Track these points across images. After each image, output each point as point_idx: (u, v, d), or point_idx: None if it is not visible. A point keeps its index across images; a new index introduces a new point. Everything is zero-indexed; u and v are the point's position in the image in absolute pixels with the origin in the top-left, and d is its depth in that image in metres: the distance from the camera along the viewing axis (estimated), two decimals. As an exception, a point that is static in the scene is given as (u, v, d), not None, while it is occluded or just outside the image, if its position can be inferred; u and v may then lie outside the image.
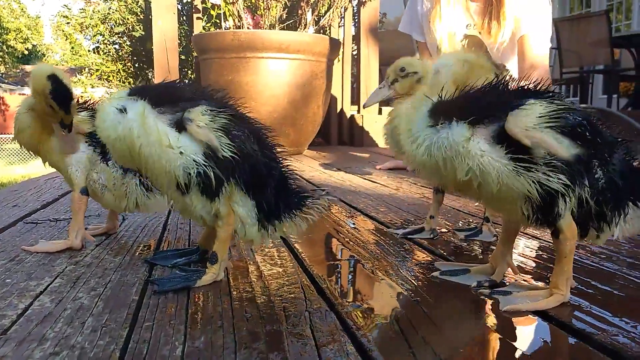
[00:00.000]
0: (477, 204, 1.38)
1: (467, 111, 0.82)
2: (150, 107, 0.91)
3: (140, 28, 6.03)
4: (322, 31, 4.31)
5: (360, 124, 4.85)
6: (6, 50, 22.48)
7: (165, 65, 4.15)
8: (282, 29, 4.15)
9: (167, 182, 0.94)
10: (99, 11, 6.39)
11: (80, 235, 1.22)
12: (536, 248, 1.25)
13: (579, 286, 0.96)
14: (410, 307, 0.87)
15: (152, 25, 4.28)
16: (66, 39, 7.37)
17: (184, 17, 5.66)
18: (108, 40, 6.39)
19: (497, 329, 0.79)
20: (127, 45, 6.27)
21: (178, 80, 1.02)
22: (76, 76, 6.80)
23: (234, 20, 4.02)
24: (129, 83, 6.14)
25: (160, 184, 0.97)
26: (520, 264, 1.11)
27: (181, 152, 0.89)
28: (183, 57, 5.52)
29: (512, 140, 0.79)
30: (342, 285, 1.01)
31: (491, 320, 0.83)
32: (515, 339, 0.75)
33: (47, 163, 1.25)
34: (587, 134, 0.82)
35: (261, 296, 0.92)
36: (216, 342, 0.73)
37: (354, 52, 5.12)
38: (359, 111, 4.94)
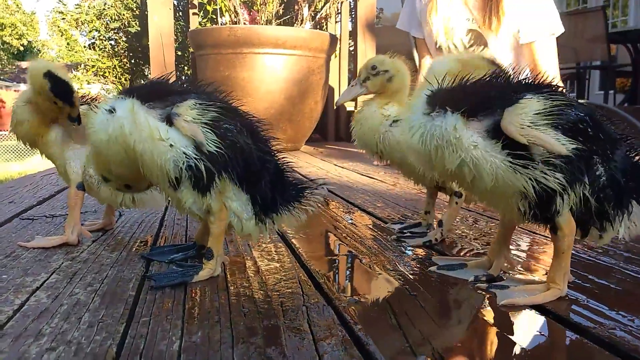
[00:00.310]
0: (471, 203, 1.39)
1: (463, 102, 0.81)
2: (140, 103, 0.91)
3: (136, 24, 6.01)
4: (318, 27, 4.29)
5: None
6: (1, 46, 22.36)
7: (162, 61, 4.13)
8: (279, 24, 4.14)
9: (161, 177, 0.93)
10: (94, 7, 6.36)
11: (76, 231, 1.21)
12: (533, 243, 1.26)
13: (576, 280, 0.96)
14: (407, 302, 0.87)
15: (148, 21, 4.26)
16: (62, 35, 7.33)
17: (180, 13, 5.63)
18: (104, 36, 6.36)
19: (494, 323, 0.79)
20: (122, 41, 6.25)
21: (167, 77, 1.01)
22: (72, 72, 6.77)
23: (230, 15, 4.01)
24: (125, 79, 6.12)
25: (156, 180, 0.97)
26: (517, 258, 1.11)
27: (171, 145, 0.89)
28: (179, 52, 5.50)
29: (508, 136, 0.78)
30: (339, 280, 1.01)
31: (488, 314, 0.83)
32: (512, 333, 0.75)
33: (44, 155, 1.25)
34: (589, 129, 0.80)
35: (258, 291, 0.91)
36: (213, 336, 0.73)
37: (351, 48, 5.11)
38: (356, 107, 4.94)
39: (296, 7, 4.29)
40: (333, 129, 5.02)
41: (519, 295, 0.87)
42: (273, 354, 0.67)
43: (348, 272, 1.08)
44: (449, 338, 0.74)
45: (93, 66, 6.37)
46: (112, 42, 6.39)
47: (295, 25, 4.22)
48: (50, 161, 1.27)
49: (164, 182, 0.94)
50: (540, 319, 0.80)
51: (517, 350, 0.70)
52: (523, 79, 0.85)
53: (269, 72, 3.59)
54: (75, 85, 1.15)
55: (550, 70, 2.37)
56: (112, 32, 6.27)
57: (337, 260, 1.14)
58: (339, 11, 4.82)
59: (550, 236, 0.88)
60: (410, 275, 1.00)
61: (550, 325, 0.79)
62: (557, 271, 0.87)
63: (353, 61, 5.05)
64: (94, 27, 6.40)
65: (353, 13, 5.02)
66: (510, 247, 1.04)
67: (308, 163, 3.10)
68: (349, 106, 5.01)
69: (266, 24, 3.97)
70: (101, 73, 6.30)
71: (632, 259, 1.10)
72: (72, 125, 1.16)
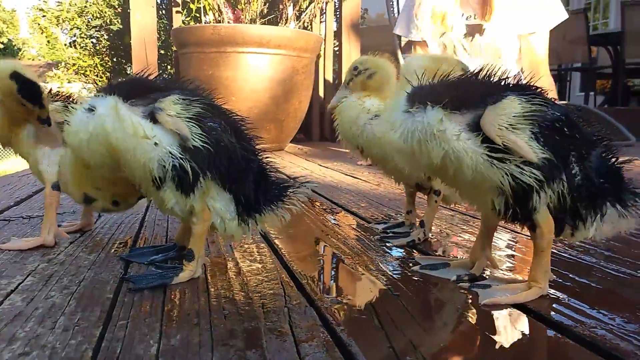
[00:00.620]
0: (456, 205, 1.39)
1: (444, 96, 0.81)
2: (121, 101, 0.88)
3: (118, 21, 5.93)
4: (303, 26, 4.28)
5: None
6: (-20, 44, 21.90)
7: (144, 59, 4.08)
8: (263, 23, 4.11)
9: (144, 176, 0.90)
10: (75, 4, 6.26)
11: (52, 232, 1.19)
12: (515, 242, 1.26)
13: (557, 279, 0.96)
14: (390, 302, 0.86)
15: (130, 19, 4.20)
16: (42, 33, 7.20)
17: (163, 11, 5.57)
18: (85, 34, 6.26)
19: (476, 322, 0.79)
20: (104, 39, 6.16)
21: (147, 73, 0.99)
22: (52, 71, 6.66)
23: (214, 14, 3.98)
24: (107, 78, 6.04)
25: (138, 180, 0.94)
26: (499, 258, 1.11)
27: (156, 144, 0.86)
28: (162, 51, 5.44)
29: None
30: (322, 281, 1.00)
31: (471, 313, 0.82)
32: (494, 332, 0.75)
33: (18, 154, 1.22)
34: (565, 129, 0.82)
35: (239, 293, 0.90)
36: (192, 339, 0.71)
37: (336, 48, 5.11)
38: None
39: (281, 6, 4.27)
40: (317, 128, 5.01)
41: (500, 295, 0.87)
42: (253, 357, 0.66)
43: (331, 273, 1.07)
44: (431, 338, 0.74)
45: (74, 64, 6.26)
46: (94, 40, 6.28)
47: (279, 24, 4.20)
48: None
49: (147, 182, 0.91)
50: (522, 318, 0.80)
51: (498, 349, 0.70)
52: (505, 78, 0.85)
53: (253, 72, 3.57)
54: (43, 85, 1.12)
55: (544, 62, 2.43)
56: (93, 30, 6.17)
57: (320, 261, 1.13)
58: (324, 11, 4.81)
59: (530, 235, 0.89)
60: (393, 275, 1.00)
61: (531, 324, 0.79)
62: (538, 270, 0.87)
63: (338, 61, 5.04)
64: (75, 25, 6.29)
65: (338, 13, 5.02)
66: (492, 246, 1.05)
67: (292, 163, 3.09)
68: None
69: (250, 23, 3.94)
70: (82, 71, 6.19)
71: (613, 257, 1.11)
72: (42, 127, 1.13)
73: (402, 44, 3.79)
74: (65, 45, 6.65)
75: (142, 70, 1.00)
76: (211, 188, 0.93)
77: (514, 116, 0.78)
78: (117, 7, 5.96)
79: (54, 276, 0.98)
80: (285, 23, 4.19)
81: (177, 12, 4.59)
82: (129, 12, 4.27)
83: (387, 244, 1.23)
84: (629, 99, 6.15)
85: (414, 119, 0.82)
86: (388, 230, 1.36)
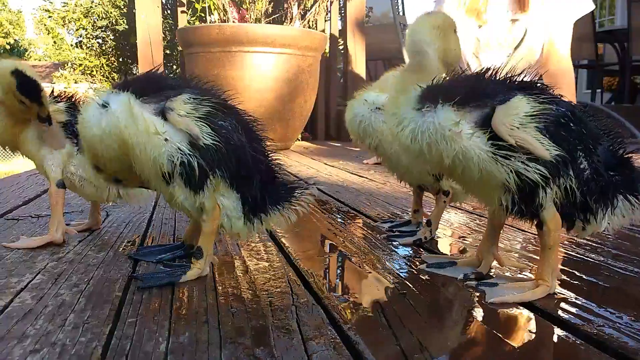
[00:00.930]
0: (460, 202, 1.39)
1: (453, 95, 0.81)
2: (134, 98, 0.89)
3: (123, 22, 5.95)
4: (308, 25, 4.28)
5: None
6: (-13, 45, 22.03)
7: (150, 59, 4.09)
8: (268, 22, 4.12)
9: (153, 172, 0.91)
10: (81, 5, 6.29)
11: (60, 229, 1.19)
12: (522, 240, 1.26)
13: (564, 278, 0.96)
14: (397, 300, 0.86)
15: (136, 19, 4.22)
16: (48, 34, 7.25)
17: (169, 11, 5.59)
18: (91, 35, 6.29)
19: (483, 320, 0.79)
20: (110, 39, 6.19)
21: (161, 71, 1.00)
22: (59, 71, 6.70)
23: (219, 13, 3.99)
24: (113, 78, 6.06)
25: (147, 176, 0.95)
26: (506, 256, 1.11)
27: (166, 139, 0.88)
28: (168, 51, 5.46)
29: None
30: (329, 279, 1.01)
31: (478, 312, 0.83)
32: (501, 331, 0.75)
33: (24, 155, 1.23)
34: (572, 124, 0.82)
35: (247, 291, 0.90)
36: (201, 337, 0.72)
37: (341, 47, 5.11)
38: (345, 105, 4.93)
39: (285, 5, 4.28)
40: (323, 127, 5.01)
41: (508, 293, 0.87)
42: (261, 354, 0.67)
43: (337, 271, 1.08)
44: (439, 337, 0.74)
45: (80, 65, 6.29)
46: (100, 41, 6.32)
47: (284, 23, 4.21)
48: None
49: (157, 177, 0.92)
50: (529, 317, 0.80)
51: (506, 347, 0.70)
52: (512, 76, 0.85)
53: (259, 71, 3.57)
54: (43, 84, 1.12)
55: (568, 55, 2.40)
56: (99, 30, 6.20)
57: (326, 259, 1.13)
58: (329, 10, 4.81)
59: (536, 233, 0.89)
60: (400, 274, 1.00)
61: (539, 322, 0.79)
62: (545, 268, 0.87)
63: (343, 60, 5.04)
64: (81, 26, 6.32)
65: (343, 12, 5.02)
66: (499, 244, 1.04)
67: (298, 162, 3.09)
68: (338, 105, 5.01)
69: (255, 22, 3.95)
70: (88, 72, 6.23)
71: (620, 256, 1.11)
72: (43, 126, 1.14)
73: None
74: (71, 45, 6.69)
75: (155, 68, 1.01)
76: (221, 186, 0.94)
77: (524, 115, 0.79)
78: (122, 7, 5.98)
79: (63, 274, 0.99)
80: (290, 22, 4.19)
81: (183, 12, 4.60)
82: (135, 12, 4.29)
83: (394, 243, 1.23)
84: (635, 96, 6.11)
85: (424, 119, 0.82)
86: (394, 229, 1.36)
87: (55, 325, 0.75)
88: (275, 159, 1.02)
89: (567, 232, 0.89)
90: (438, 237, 1.29)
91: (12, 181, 2.31)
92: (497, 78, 0.85)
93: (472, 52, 2.52)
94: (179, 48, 4.67)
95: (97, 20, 6.09)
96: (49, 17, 6.80)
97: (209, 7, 4.06)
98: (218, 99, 0.95)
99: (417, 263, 1.06)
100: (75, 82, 6.50)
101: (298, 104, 3.80)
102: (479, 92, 0.82)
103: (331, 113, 5.01)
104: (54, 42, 7.30)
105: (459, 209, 1.63)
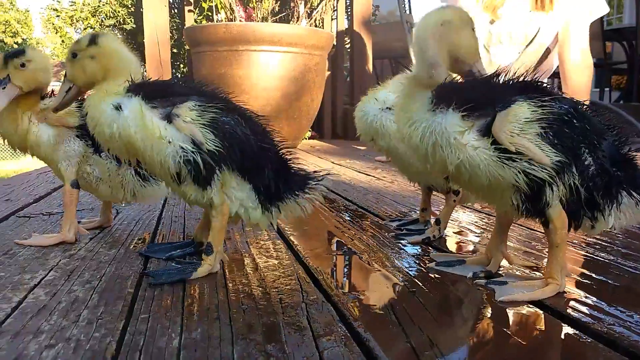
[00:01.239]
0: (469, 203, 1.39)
1: (462, 102, 0.82)
2: (145, 103, 0.92)
3: (131, 21, 5.98)
4: (314, 24, 4.29)
5: (354, 117, 4.84)
6: (-5, 44, 22.19)
7: (157, 58, 4.11)
8: (275, 21, 4.12)
9: (163, 173, 0.95)
10: (89, 4, 6.33)
11: (73, 229, 1.21)
12: (531, 238, 1.26)
13: (574, 276, 0.96)
14: (406, 298, 0.87)
15: (143, 18, 4.24)
16: (56, 33, 7.29)
17: (176, 10, 5.61)
18: (99, 34, 6.32)
19: (493, 319, 0.80)
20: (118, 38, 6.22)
21: (175, 80, 1.02)
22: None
23: (226, 12, 4.00)
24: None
25: (158, 175, 0.98)
26: (515, 254, 1.11)
27: (169, 142, 0.90)
28: (175, 50, 5.48)
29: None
30: (338, 277, 1.01)
31: (487, 310, 0.83)
32: (511, 329, 0.76)
33: (35, 157, 1.24)
34: (575, 121, 0.82)
35: (257, 288, 0.91)
36: (213, 333, 0.72)
37: (347, 45, 5.10)
38: (352, 104, 4.94)
39: (292, 4, 4.28)
40: (330, 126, 5.01)
41: (517, 291, 0.87)
42: (273, 351, 0.67)
43: (346, 269, 1.08)
44: (448, 334, 0.74)
45: (88, 64, 6.32)
46: (107, 40, 6.34)
47: (291, 22, 4.21)
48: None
49: (167, 178, 0.95)
50: (539, 315, 0.81)
51: (515, 345, 0.70)
52: (517, 78, 0.85)
53: (265, 70, 3.58)
54: (52, 82, 1.16)
55: (578, 52, 2.38)
56: (107, 29, 6.23)
57: (335, 257, 1.14)
58: (335, 8, 4.81)
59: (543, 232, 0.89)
60: (409, 272, 1.01)
61: (548, 320, 0.79)
62: (554, 266, 0.87)
63: (349, 58, 5.04)
64: (89, 25, 6.36)
65: (349, 10, 5.01)
66: (508, 242, 1.05)
67: (305, 161, 3.09)
68: (344, 104, 5.01)
69: (262, 21, 3.95)
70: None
71: (629, 255, 1.11)
72: (44, 106, 1.17)
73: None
74: (79, 44, 6.71)
75: (170, 79, 1.03)
76: (231, 179, 0.96)
77: (524, 121, 0.79)
78: (130, 6, 6.01)
79: (76, 271, 1.00)
80: (297, 21, 4.20)
81: (190, 11, 4.62)
82: (142, 12, 4.30)
83: (402, 241, 1.24)
84: (644, 95, 6.06)
85: (434, 118, 0.82)
86: (402, 227, 1.36)
87: (70, 321, 0.76)
88: (287, 150, 1.03)
89: (575, 232, 0.89)
90: (446, 235, 1.29)
91: (23, 179, 2.34)
92: (502, 81, 0.85)
93: (483, 44, 2.51)
94: (186, 47, 4.69)
95: (105, 19, 6.12)
96: (57, 16, 6.84)
97: (216, 6, 4.07)
98: (223, 101, 0.97)
99: (426, 261, 1.07)
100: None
101: (305, 103, 3.80)
102: (485, 99, 0.82)
103: (338, 112, 5.01)
104: (62, 40, 7.34)
105: (467, 207, 1.63)
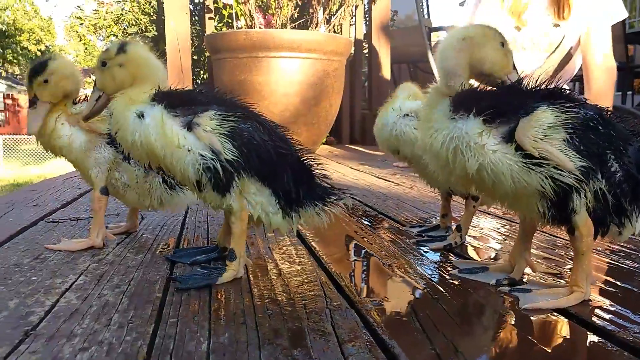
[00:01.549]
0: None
1: (484, 107, 0.82)
2: (167, 112, 0.94)
3: (153, 28, 6.08)
4: (333, 30, 4.31)
5: (372, 123, 4.85)
6: (20, 51, 22.77)
7: (179, 65, 4.18)
8: (294, 28, 4.16)
9: (184, 179, 0.97)
10: (112, 12, 6.45)
11: (101, 234, 1.24)
12: (555, 245, 1.25)
13: (598, 284, 0.96)
14: (429, 305, 0.88)
15: (164, 26, 4.31)
16: (79, 40, 7.45)
17: (196, 17, 5.69)
18: (121, 41, 6.44)
19: (517, 326, 0.80)
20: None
21: (197, 88, 1.05)
22: (90, 77, 6.86)
23: (245, 19, 4.04)
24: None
25: (181, 182, 1.01)
26: (538, 261, 1.11)
27: (188, 150, 0.93)
28: (195, 57, 5.56)
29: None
30: (360, 283, 1.02)
31: (511, 317, 0.83)
32: (536, 337, 0.76)
33: (66, 159, 1.27)
34: (600, 127, 0.82)
35: (282, 294, 0.93)
36: (240, 338, 0.74)
37: (366, 51, 5.12)
38: (370, 109, 4.94)
39: (311, 10, 4.31)
40: (348, 131, 5.03)
41: (541, 299, 0.87)
42: (299, 356, 0.68)
43: (368, 275, 1.09)
44: (473, 341, 0.75)
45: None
46: (129, 47, 6.46)
47: (310, 28, 4.24)
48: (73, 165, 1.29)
49: (189, 184, 0.98)
50: (564, 323, 0.81)
51: (540, 353, 0.70)
52: (540, 85, 0.86)
53: (285, 76, 3.61)
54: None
55: (601, 56, 2.36)
56: (129, 37, 6.36)
57: (356, 263, 1.15)
58: (354, 14, 4.83)
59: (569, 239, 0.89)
60: (431, 279, 1.01)
61: (573, 329, 0.79)
62: (579, 274, 0.87)
63: (367, 64, 5.05)
64: (112, 32, 6.50)
65: (367, 15, 5.03)
66: (532, 250, 1.04)
67: (324, 166, 3.11)
68: (363, 109, 5.02)
69: (281, 28, 3.99)
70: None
71: (655, 262, 1.10)
72: (76, 111, 1.21)
73: (433, 44, 3.78)
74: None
75: (193, 88, 1.06)
76: (250, 185, 0.97)
77: (547, 126, 0.80)
78: (152, 14, 6.12)
79: (105, 276, 1.03)
80: (316, 27, 4.23)
81: (210, 18, 4.68)
82: (164, 19, 4.38)
83: (423, 248, 1.24)
84: (668, 99, 5.95)
85: (455, 124, 0.83)
86: (423, 234, 1.37)
87: (101, 325, 0.79)
88: (308, 156, 1.04)
89: (602, 238, 0.88)
90: (468, 242, 1.29)
91: (49, 185, 2.39)
92: (525, 88, 0.85)
93: None
94: (207, 54, 4.75)
95: (128, 27, 6.24)
96: (81, 24, 6.99)
97: (236, 13, 4.12)
98: (242, 110, 0.99)
99: (449, 268, 1.07)
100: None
101: (323, 108, 3.83)
102: (508, 106, 0.83)
103: (356, 117, 5.02)
104: (86, 48, 7.49)
105: (489, 213, 1.63)
